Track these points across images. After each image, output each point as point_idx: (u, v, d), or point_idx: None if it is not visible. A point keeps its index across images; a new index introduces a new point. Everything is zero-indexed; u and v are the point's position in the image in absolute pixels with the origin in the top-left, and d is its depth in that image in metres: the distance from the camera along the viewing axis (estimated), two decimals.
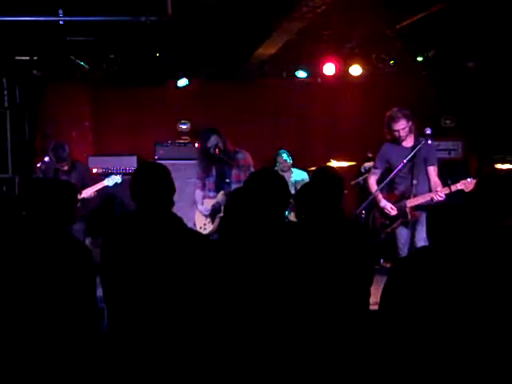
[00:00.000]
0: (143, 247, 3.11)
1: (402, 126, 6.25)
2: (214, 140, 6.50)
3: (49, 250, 3.31)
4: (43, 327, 3.22)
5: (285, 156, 8.33)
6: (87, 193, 7.29)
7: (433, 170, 6.30)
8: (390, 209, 6.32)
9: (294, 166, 8.43)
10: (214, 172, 6.64)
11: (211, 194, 6.65)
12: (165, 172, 3.29)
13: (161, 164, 3.41)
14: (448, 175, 8.48)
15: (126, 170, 9.05)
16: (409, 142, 6.35)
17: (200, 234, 3.42)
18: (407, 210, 6.23)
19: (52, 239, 3.36)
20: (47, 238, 3.38)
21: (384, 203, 6.38)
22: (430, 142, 6.32)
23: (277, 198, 3.14)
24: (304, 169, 8.54)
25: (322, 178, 3.61)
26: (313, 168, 8.28)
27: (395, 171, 6.29)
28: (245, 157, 6.65)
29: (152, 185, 3.21)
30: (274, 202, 3.12)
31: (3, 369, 3.22)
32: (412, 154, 6.20)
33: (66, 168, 7.36)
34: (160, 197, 3.21)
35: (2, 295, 3.28)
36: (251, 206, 3.14)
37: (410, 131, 6.31)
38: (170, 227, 3.19)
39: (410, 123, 6.28)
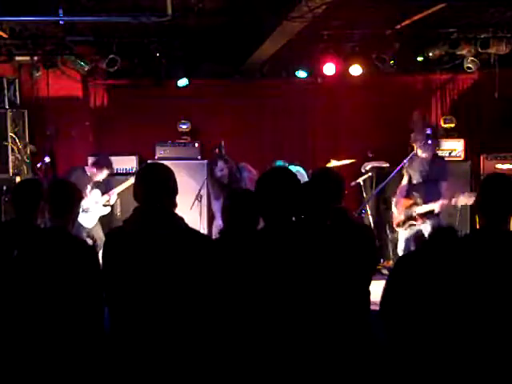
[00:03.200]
0: (146, 248, 3.09)
1: None
2: (220, 165, 6.67)
3: (52, 248, 3.32)
4: (47, 325, 3.24)
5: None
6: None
7: (444, 185, 6.71)
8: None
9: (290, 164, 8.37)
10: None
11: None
12: (169, 172, 3.25)
13: (165, 164, 3.36)
14: (448, 175, 8.54)
15: (126, 169, 9.06)
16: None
17: (202, 234, 3.39)
18: (415, 215, 6.64)
19: (54, 238, 3.37)
20: (49, 237, 3.39)
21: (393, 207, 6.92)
22: (429, 141, 6.40)
23: (289, 196, 3.10)
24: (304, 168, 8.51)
25: (322, 178, 3.60)
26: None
27: (394, 173, 6.40)
28: (250, 174, 6.87)
29: (156, 185, 3.17)
30: (286, 200, 3.09)
31: (8, 367, 3.24)
32: (410, 155, 6.29)
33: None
34: (163, 197, 3.17)
35: (7, 295, 3.29)
36: (262, 205, 3.12)
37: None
38: (172, 227, 3.16)
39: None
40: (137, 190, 3.22)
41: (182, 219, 3.23)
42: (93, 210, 7.61)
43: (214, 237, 6.64)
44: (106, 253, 3.18)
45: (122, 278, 3.10)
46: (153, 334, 3.04)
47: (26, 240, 3.40)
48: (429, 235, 3.50)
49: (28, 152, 8.84)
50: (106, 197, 7.77)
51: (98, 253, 3.40)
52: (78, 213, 3.70)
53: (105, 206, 7.81)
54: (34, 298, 3.26)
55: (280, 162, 8.16)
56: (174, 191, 3.24)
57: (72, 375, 3.24)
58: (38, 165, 8.18)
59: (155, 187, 3.17)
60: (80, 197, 3.66)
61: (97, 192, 7.70)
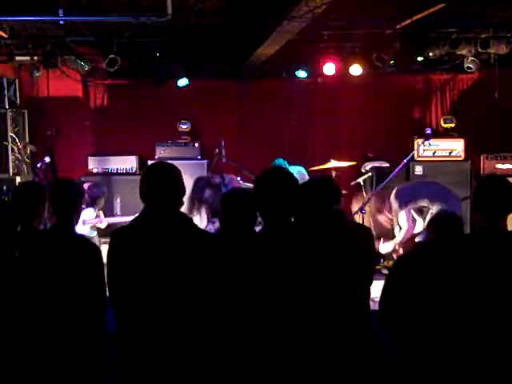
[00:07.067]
0: (153, 246, 3.06)
1: None
2: (207, 193, 6.46)
3: (55, 248, 3.32)
4: (51, 325, 3.24)
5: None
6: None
7: None
8: None
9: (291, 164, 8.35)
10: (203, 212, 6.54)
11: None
12: (176, 172, 3.21)
13: (171, 164, 3.29)
14: (448, 175, 8.55)
15: (126, 169, 9.07)
16: None
17: (209, 233, 3.34)
18: None
19: (58, 238, 3.37)
20: (53, 237, 3.39)
21: None
22: (429, 141, 6.40)
23: (287, 196, 3.10)
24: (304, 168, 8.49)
25: (319, 185, 3.59)
26: (313, 168, 8.28)
27: (394, 173, 6.40)
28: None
29: (164, 185, 3.13)
30: (285, 200, 3.08)
31: (8, 367, 3.24)
32: (410, 156, 6.30)
33: None
34: (170, 196, 3.13)
35: (11, 294, 3.29)
36: (260, 206, 3.11)
37: None
38: (179, 227, 3.14)
39: None
40: (144, 189, 3.16)
41: (189, 219, 3.22)
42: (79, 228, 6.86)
43: None
44: (111, 250, 3.15)
45: (128, 275, 3.08)
46: (158, 332, 3.03)
47: (29, 240, 3.39)
48: (433, 219, 3.48)
49: (28, 152, 8.85)
50: (95, 220, 7.17)
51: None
52: (81, 211, 3.68)
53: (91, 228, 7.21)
54: (37, 297, 3.25)
55: (280, 160, 8.14)
56: (182, 191, 3.21)
57: (72, 376, 3.24)
58: (38, 165, 8.17)
59: (164, 187, 3.13)
60: (83, 195, 3.64)
61: (89, 211, 7.15)
